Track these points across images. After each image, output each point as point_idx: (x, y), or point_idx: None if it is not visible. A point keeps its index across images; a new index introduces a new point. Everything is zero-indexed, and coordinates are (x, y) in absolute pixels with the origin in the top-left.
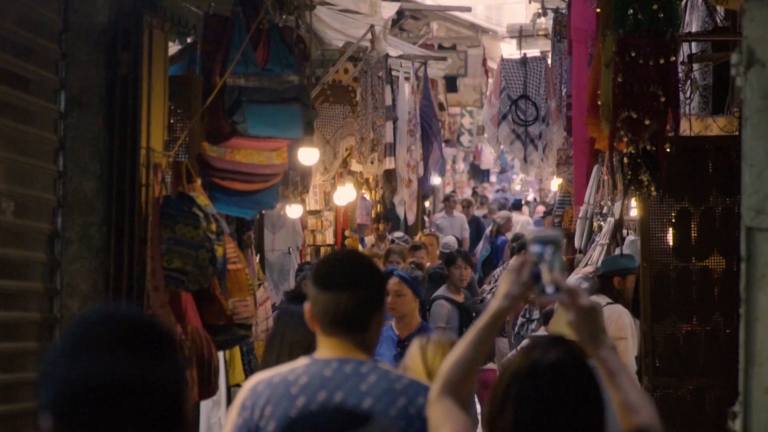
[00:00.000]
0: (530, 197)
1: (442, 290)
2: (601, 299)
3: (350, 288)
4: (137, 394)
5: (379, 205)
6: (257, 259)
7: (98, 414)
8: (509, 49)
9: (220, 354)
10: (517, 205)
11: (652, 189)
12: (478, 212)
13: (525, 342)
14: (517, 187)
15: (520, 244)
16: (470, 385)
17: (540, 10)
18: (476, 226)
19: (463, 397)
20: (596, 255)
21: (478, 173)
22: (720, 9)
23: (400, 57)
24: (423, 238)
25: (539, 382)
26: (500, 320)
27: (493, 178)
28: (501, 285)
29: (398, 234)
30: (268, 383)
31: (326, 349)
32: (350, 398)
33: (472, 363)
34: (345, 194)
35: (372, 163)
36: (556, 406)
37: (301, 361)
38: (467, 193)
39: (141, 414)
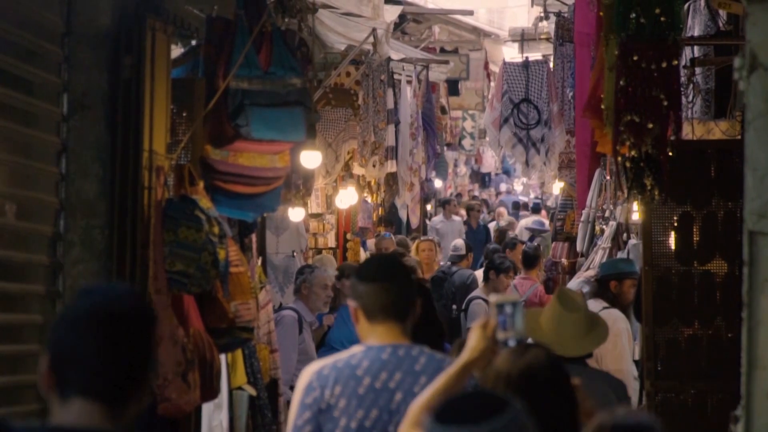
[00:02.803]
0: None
1: (479, 291)
2: (598, 303)
3: (394, 279)
4: (104, 360)
5: (380, 209)
6: (259, 261)
7: (73, 372)
8: (511, 53)
9: (222, 357)
10: (536, 208)
11: (656, 193)
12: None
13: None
14: (519, 188)
15: (512, 240)
16: None
17: (542, 14)
18: (485, 235)
19: None
20: (598, 258)
21: (480, 177)
22: (722, 13)
23: (402, 60)
24: (420, 244)
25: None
26: (469, 370)
27: (503, 187)
28: (469, 339)
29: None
30: (333, 367)
31: (377, 337)
32: (408, 377)
33: None
34: (347, 197)
35: (374, 166)
36: (536, 395)
37: (357, 348)
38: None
39: (102, 373)
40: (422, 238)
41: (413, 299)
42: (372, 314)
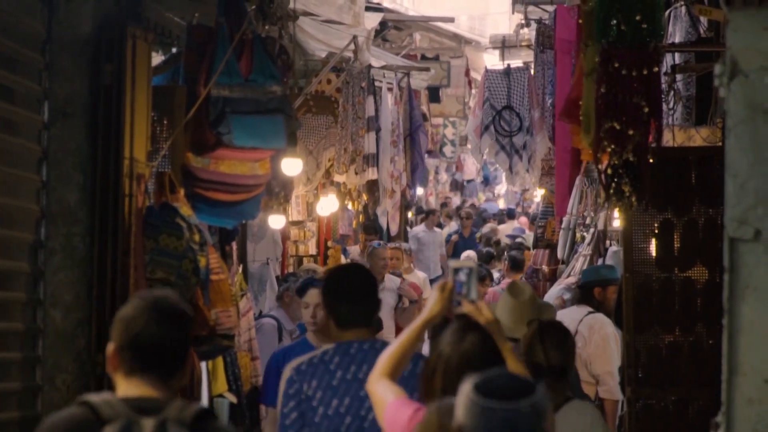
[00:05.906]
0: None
1: None
2: (583, 309)
3: (367, 299)
4: (158, 344)
5: (361, 216)
6: (240, 269)
7: (137, 354)
8: (492, 60)
9: (203, 364)
10: (510, 214)
11: (633, 200)
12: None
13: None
14: (502, 190)
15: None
16: (401, 370)
17: (523, 21)
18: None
19: (395, 379)
20: (579, 265)
21: (461, 184)
22: (703, 20)
23: (383, 67)
24: (389, 252)
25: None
26: (427, 327)
27: (482, 196)
28: (429, 299)
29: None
30: (309, 363)
31: (346, 336)
32: (373, 368)
33: (404, 356)
34: (328, 205)
35: (356, 173)
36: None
37: (328, 345)
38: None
39: (157, 353)
40: (391, 245)
41: (378, 310)
42: (343, 325)
